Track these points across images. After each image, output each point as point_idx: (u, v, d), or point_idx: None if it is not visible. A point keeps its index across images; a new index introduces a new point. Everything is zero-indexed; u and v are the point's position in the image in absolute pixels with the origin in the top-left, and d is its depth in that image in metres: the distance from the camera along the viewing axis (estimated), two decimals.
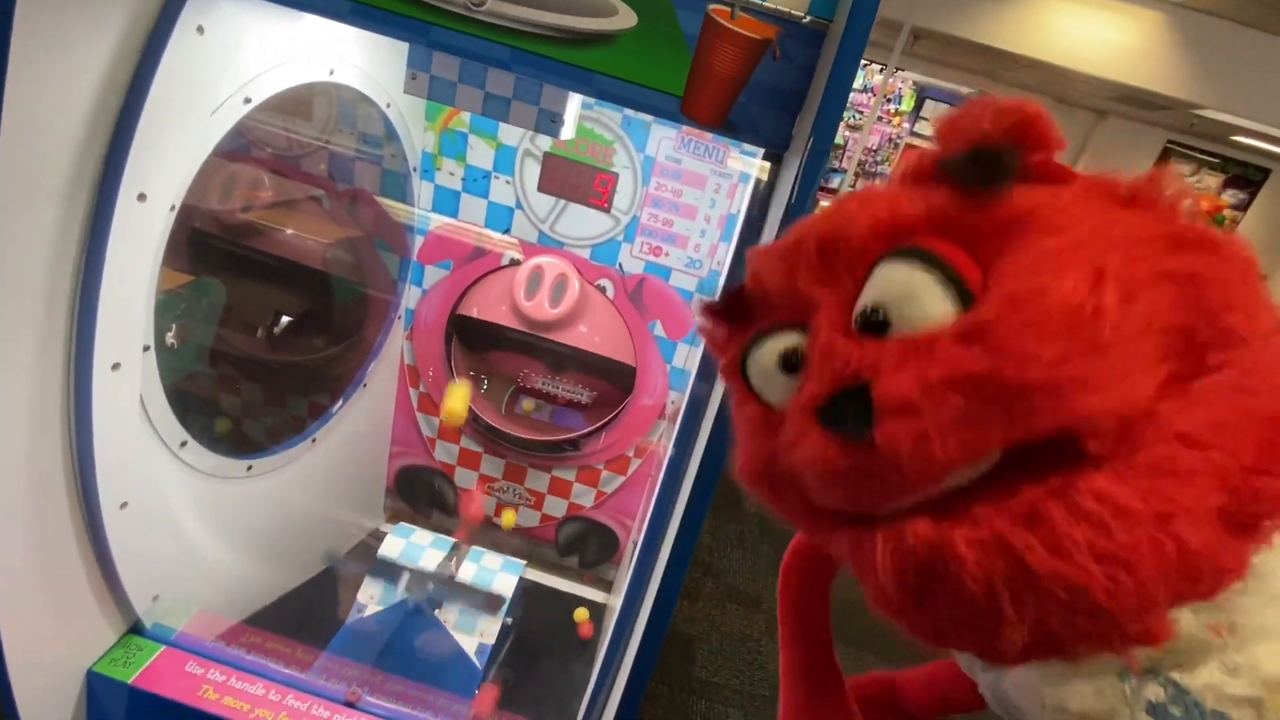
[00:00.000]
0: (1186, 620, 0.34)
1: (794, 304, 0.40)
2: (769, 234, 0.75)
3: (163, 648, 1.04)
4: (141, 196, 0.82)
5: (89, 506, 0.90)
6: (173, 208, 0.88)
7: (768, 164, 0.79)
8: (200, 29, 0.82)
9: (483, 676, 1.32)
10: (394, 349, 1.77)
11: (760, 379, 0.42)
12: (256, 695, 1.00)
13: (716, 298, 0.47)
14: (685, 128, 1.41)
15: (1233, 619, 0.35)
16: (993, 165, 0.35)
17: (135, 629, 1.05)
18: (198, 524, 1.14)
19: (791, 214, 0.64)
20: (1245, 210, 8.55)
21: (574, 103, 0.95)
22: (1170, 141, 8.13)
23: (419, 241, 1.67)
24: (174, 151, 0.85)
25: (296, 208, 1.60)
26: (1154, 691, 0.35)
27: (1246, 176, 8.32)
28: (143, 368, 0.91)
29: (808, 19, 0.69)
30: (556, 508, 1.94)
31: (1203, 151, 8.17)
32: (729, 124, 0.75)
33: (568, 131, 0.97)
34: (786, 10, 0.69)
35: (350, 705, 1.03)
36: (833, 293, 0.38)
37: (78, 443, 0.85)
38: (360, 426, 1.70)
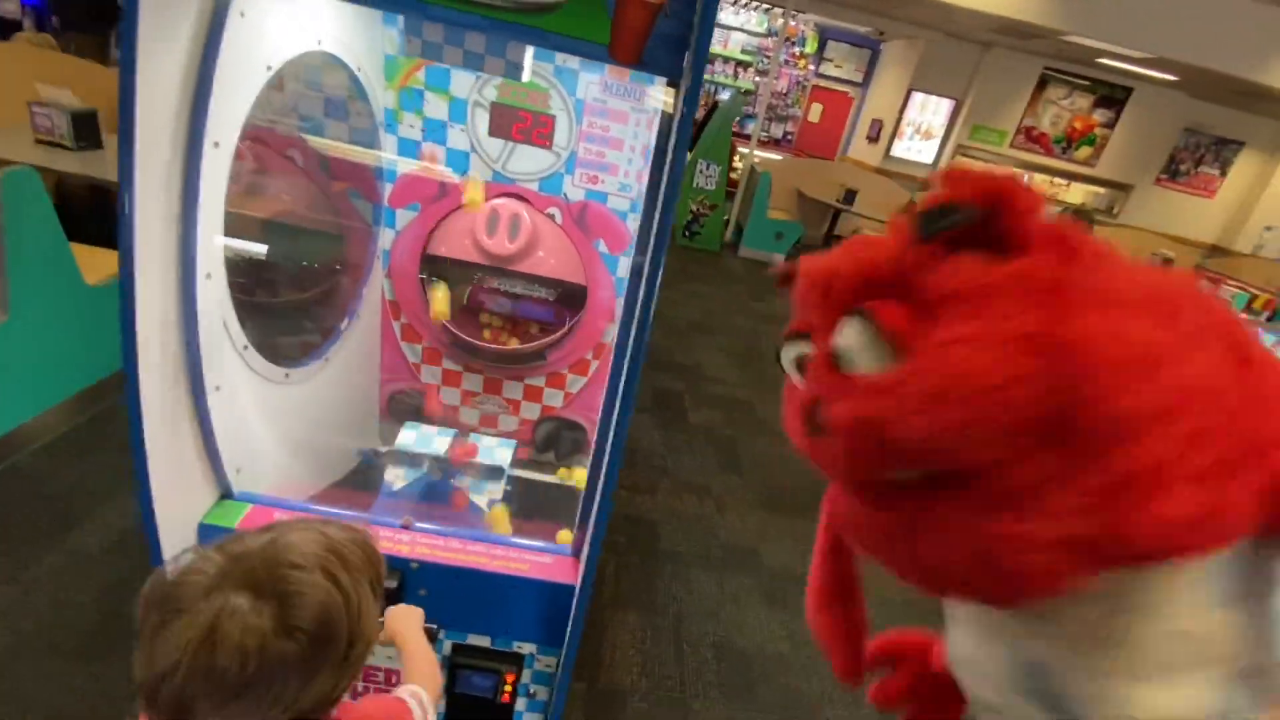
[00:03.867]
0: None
1: (808, 322, 0.52)
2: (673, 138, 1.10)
3: (250, 506, 1.35)
4: (216, 144, 1.10)
5: (195, 388, 1.19)
6: (231, 155, 1.16)
7: (671, 92, 1.14)
8: (242, 14, 1.09)
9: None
10: (375, 287, 2.05)
11: (787, 367, 0.56)
12: None
13: (782, 268, 0.58)
14: (608, 70, 1.74)
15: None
16: (937, 220, 0.42)
17: (225, 495, 1.35)
18: (257, 415, 1.44)
19: (683, 122, 0.99)
20: (1113, 127, 9.44)
21: (529, 54, 1.26)
22: (1047, 68, 8.87)
23: (388, 189, 1.94)
24: (230, 110, 1.13)
25: (276, 166, 1.84)
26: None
27: (1113, 96, 9.17)
28: (222, 280, 1.20)
29: None
30: (531, 411, 2.29)
31: (1075, 75, 8.95)
32: (642, 62, 1.09)
33: (526, 75, 1.28)
34: None
35: (405, 528, 1.37)
36: (825, 323, 0.49)
37: (187, 334, 1.14)
38: (354, 356, 1.99)
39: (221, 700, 0.56)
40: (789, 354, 0.55)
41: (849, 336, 0.46)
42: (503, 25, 1.04)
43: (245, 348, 1.34)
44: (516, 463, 1.88)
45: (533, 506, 1.91)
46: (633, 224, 1.99)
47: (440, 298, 1.80)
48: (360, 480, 1.81)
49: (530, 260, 1.95)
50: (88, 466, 2.41)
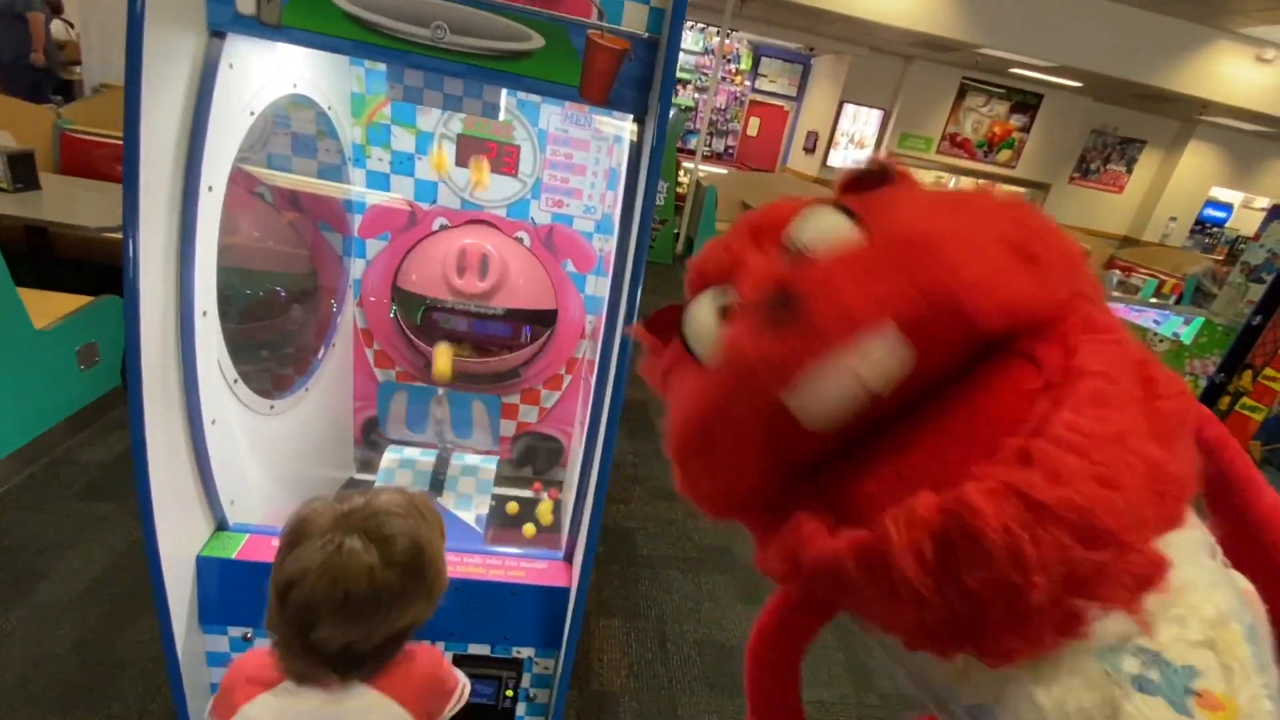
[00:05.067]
0: None
1: (724, 271, 0.47)
2: (643, 171, 1.21)
3: (247, 536, 1.38)
4: (210, 188, 1.15)
5: (193, 422, 1.23)
6: (222, 197, 1.21)
7: (635, 126, 1.26)
8: (230, 65, 1.15)
9: (483, 538, 1.74)
10: (347, 316, 2.09)
11: (698, 332, 0.46)
12: None
13: (652, 315, 0.53)
14: (568, 105, 1.85)
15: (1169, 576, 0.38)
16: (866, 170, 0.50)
17: (221, 526, 1.38)
18: (248, 446, 1.47)
19: (654, 155, 1.11)
20: (1029, 131, 10.10)
21: (504, 95, 1.36)
22: (965, 78, 9.45)
23: (358, 220, 2.00)
24: (220, 155, 1.19)
25: (251, 204, 1.87)
26: (1130, 664, 0.37)
27: (1026, 102, 9.82)
28: (215, 317, 1.24)
29: (646, 35, 1.16)
30: (508, 428, 2.35)
31: (991, 84, 9.56)
32: (610, 101, 1.21)
33: (502, 115, 1.37)
34: (635, 30, 1.15)
35: None
36: (760, 251, 0.46)
37: (184, 371, 1.18)
38: (331, 384, 2.02)
39: (341, 617, 0.74)
40: (704, 310, 0.47)
41: (811, 217, 0.45)
42: (481, 71, 1.14)
43: (235, 381, 1.38)
44: (499, 479, 1.95)
45: (518, 520, 1.98)
46: (598, 244, 2.09)
47: (443, 357, 1.86)
48: None
49: (501, 294, 2.01)
50: (48, 516, 2.35)
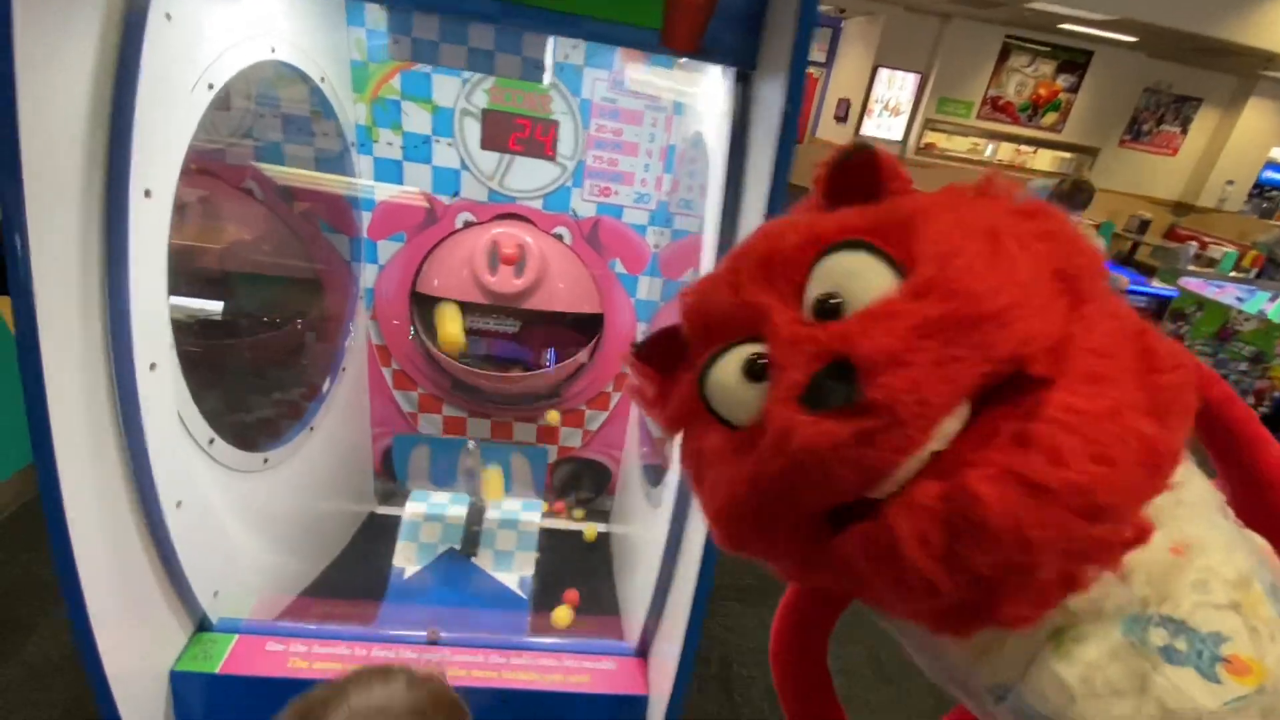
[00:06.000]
0: (1156, 544, 0.37)
1: (739, 320, 0.42)
2: (761, 152, 0.85)
3: (236, 637, 1.08)
4: (147, 193, 0.82)
5: (149, 508, 0.91)
6: (169, 204, 0.88)
7: (737, 86, 0.89)
8: (168, 15, 0.81)
9: (529, 606, 1.43)
10: (360, 332, 1.77)
11: (723, 397, 0.42)
12: (344, 655, 1.07)
13: (642, 342, 0.48)
14: (620, 58, 1.47)
15: (1183, 536, 0.39)
16: (852, 156, 0.45)
17: (202, 626, 1.08)
18: (233, 518, 1.16)
19: (787, 125, 0.75)
20: (1076, 92, 9.48)
21: (549, 49, 1.00)
22: (1008, 36, 8.83)
23: (366, 218, 1.66)
24: (162, 145, 0.85)
25: (230, 204, 1.55)
26: (1157, 635, 0.37)
27: (1074, 61, 9.19)
28: (172, 367, 0.92)
29: None
30: (548, 454, 2.03)
31: (1036, 42, 8.94)
32: (702, 49, 0.85)
33: (548, 76, 1.02)
34: None
35: (433, 643, 1.11)
36: (779, 295, 0.41)
37: (130, 445, 0.86)
38: (343, 416, 1.71)
39: None
40: (728, 369, 0.42)
41: (843, 268, 0.40)
42: (522, 12, 0.78)
43: (211, 441, 1.06)
44: (545, 535, 1.62)
45: (564, 567, 1.66)
46: (653, 238, 1.74)
47: (450, 320, 1.52)
48: (363, 561, 1.53)
49: (539, 296, 1.68)
50: (34, 556, 2.09)
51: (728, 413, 0.42)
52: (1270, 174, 10.21)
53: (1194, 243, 7.11)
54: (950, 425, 0.36)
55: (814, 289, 0.40)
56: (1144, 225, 8.45)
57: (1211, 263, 6.11)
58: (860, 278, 0.39)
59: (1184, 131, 9.89)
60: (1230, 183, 10.04)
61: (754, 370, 0.40)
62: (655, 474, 1.40)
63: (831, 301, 0.39)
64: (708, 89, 1.15)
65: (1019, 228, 0.39)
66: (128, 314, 0.81)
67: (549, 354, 1.81)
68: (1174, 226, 8.53)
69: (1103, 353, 0.37)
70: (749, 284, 0.42)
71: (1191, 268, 5.60)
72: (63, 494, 0.78)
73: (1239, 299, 4.84)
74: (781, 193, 0.77)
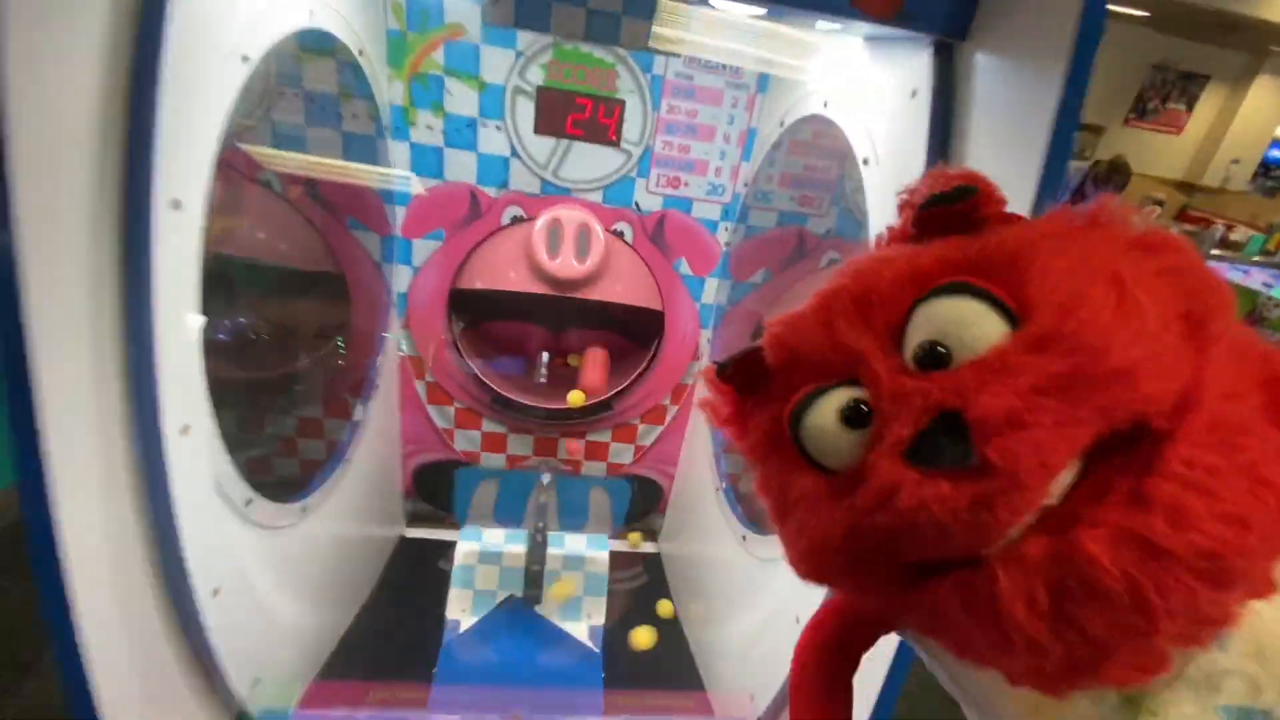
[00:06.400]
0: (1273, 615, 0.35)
1: (832, 362, 0.40)
2: (969, 147, 0.67)
3: None
4: (176, 203, 0.61)
5: (180, 598, 0.72)
6: (200, 220, 0.67)
7: (935, 62, 0.70)
8: None
9: (603, 658, 1.26)
10: (392, 343, 1.57)
11: (820, 441, 0.40)
12: None
13: (727, 362, 0.45)
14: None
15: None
16: (956, 193, 0.39)
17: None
18: (270, 585, 0.97)
19: (1066, 112, 0.56)
20: None
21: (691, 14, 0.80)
22: None
23: (400, 214, 1.45)
24: (193, 141, 0.64)
25: (242, 197, 1.33)
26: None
27: None
28: (209, 425, 0.72)
29: None
30: (595, 470, 1.85)
31: None
32: (903, 13, 0.65)
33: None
34: None
35: None
36: (875, 339, 0.39)
37: (159, 528, 0.67)
38: (375, 439, 1.51)
39: None
40: (825, 412, 0.39)
41: (951, 315, 0.36)
42: None
43: (249, 503, 0.86)
44: (617, 574, 1.44)
45: (633, 600, 1.49)
46: (724, 235, 1.54)
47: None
48: (401, 598, 1.34)
49: (599, 286, 1.48)
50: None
51: (821, 456, 0.40)
52: (1276, 153, 10.14)
53: (1220, 225, 6.99)
54: (1064, 479, 0.33)
55: (916, 334, 0.37)
56: (1156, 207, 8.33)
57: (1238, 247, 5.99)
58: (969, 326, 0.36)
59: (1189, 109, 9.76)
60: (1236, 161, 9.98)
61: (851, 418, 0.38)
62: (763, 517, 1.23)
63: (939, 349, 0.36)
64: (840, 60, 0.95)
65: (1141, 265, 0.36)
66: (152, 377, 0.60)
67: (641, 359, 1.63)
68: (1185, 208, 8.43)
69: (1230, 396, 0.34)
70: (842, 324, 0.39)
71: (1215, 251, 5.46)
72: (74, 609, 0.59)
73: (1266, 285, 4.72)
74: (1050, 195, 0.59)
